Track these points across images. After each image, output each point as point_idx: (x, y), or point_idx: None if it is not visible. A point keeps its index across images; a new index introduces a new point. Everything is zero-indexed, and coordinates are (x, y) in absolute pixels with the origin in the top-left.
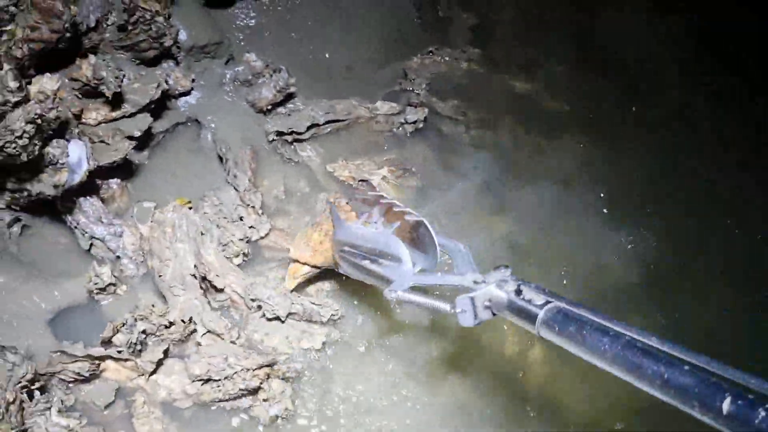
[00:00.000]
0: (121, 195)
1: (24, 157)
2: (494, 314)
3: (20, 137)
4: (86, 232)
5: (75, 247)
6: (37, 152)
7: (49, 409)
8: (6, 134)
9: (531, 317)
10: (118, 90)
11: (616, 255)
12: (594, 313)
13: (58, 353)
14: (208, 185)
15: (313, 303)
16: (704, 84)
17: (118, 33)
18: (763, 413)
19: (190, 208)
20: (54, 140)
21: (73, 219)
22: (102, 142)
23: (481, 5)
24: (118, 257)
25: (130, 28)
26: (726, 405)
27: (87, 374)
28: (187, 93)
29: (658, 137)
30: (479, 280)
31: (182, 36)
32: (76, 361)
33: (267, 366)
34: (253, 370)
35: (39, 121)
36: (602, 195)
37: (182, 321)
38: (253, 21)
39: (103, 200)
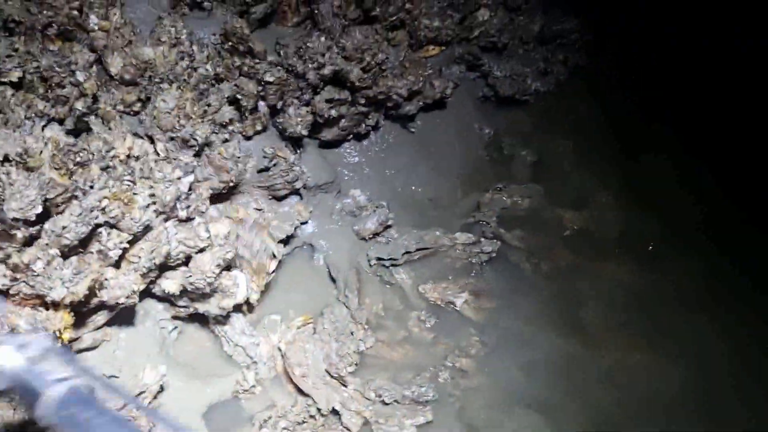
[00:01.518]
0: (248, 310)
1: (208, 290)
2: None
3: (209, 276)
4: (231, 341)
5: (218, 351)
6: (215, 284)
7: None
8: (197, 272)
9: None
10: None
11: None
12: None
13: None
14: (322, 302)
15: (418, 385)
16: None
17: (257, 174)
18: None
19: (311, 323)
20: (227, 272)
21: (221, 329)
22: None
23: (539, 144)
24: (255, 362)
25: (269, 173)
26: None
27: None
28: (305, 222)
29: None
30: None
31: (309, 178)
32: None
33: None
34: None
35: (222, 263)
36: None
37: (327, 409)
38: (356, 158)
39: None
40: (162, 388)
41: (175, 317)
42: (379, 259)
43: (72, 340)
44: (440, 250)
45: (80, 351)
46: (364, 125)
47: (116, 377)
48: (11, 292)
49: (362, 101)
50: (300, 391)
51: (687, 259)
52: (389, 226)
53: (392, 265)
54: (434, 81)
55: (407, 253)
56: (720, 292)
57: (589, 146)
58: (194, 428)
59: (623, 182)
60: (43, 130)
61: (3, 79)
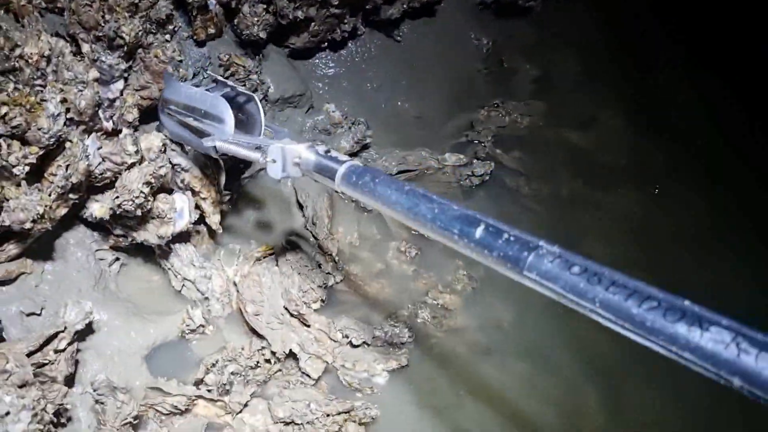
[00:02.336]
0: (208, 239)
1: (138, 212)
2: (303, 174)
3: (137, 197)
4: (179, 275)
5: (166, 287)
6: (148, 207)
7: None
8: (124, 193)
9: (332, 173)
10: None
11: None
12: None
13: (154, 389)
14: (288, 231)
15: (392, 325)
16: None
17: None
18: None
19: (272, 254)
20: (163, 195)
21: (167, 262)
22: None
23: (543, 57)
24: (207, 298)
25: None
26: (479, 232)
27: (183, 408)
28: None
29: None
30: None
31: (271, 89)
32: (174, 396)
33: (345, 412)
34: (333, 416)
35: (152, 180)
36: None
37: (284, 352)
38: (331, 71)
39: (193, 243)
40: (90, 327)
41: (114, 247)
42: None
43: None
44: (426, 173)
45: None
46: (339, 31)
47: (37, 314)
48: None
49: (335, 2)
50: (254, 332)
51: (694, 194)
52: (367, 146)
53: None
54: None
55: (400, 172)
56: (725, 231)
57: (598, 62)
58: (130, 371)
59: (633, 103)
60: None
61: None
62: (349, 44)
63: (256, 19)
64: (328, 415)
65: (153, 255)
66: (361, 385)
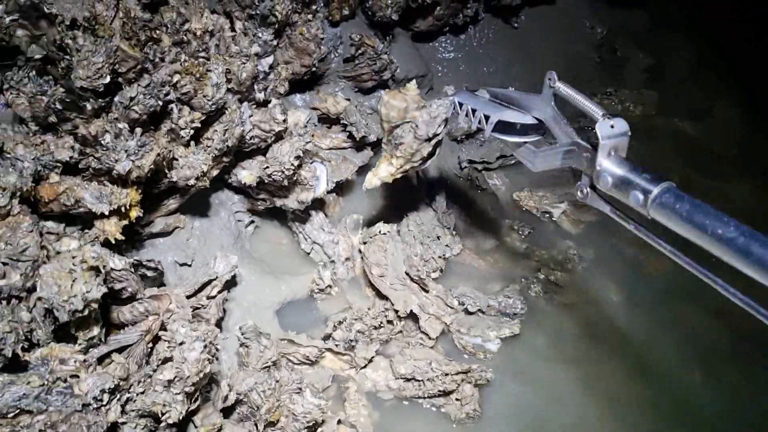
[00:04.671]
0: (335, 206)
1: (285, 182)
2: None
3: (288, 168)
4: (309, 238)
5: (295, 249)
6: (294, 177)
7: (301, 389)
8: (275, 164)
9: (640, 190)
10: (365, 134)
11: None
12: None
13: (286, 341)
14: (408, 205)
15: (506, 296)
16: None
17: (343, 64)
18: None
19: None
20: (307, 164)
21: (299, 226)
22: (329, 162)
23: (657, 46)
24: (333, 261)
25: (356, 62)
26: None
27: (313, 359)
28: None
29: None
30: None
31: (398, 70)
32: (306, 347)
33: (463, 372)
34: (452, 375)
35: (301, 153)
36: None
37: (405, 312)
38: (451, 54)
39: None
40: (234, 279)
41: (251, 210)
42: (471, 162)
43: (145, 224)
44: None
45: (152, 236)
46: (461, 15)
47: (188, 265)
48: (80, 166)
49: None
50: (378, 293)
51: None
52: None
53: (485, 168)
54: None
55: (502, 156)
56: None
57: (713, 52)
58: (264, 324)
59: (749, 94)
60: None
61: None
62: (469, 29)
63: (389, 1)
64: (446, 374)
65: (284, 219)
66: (474, 350)
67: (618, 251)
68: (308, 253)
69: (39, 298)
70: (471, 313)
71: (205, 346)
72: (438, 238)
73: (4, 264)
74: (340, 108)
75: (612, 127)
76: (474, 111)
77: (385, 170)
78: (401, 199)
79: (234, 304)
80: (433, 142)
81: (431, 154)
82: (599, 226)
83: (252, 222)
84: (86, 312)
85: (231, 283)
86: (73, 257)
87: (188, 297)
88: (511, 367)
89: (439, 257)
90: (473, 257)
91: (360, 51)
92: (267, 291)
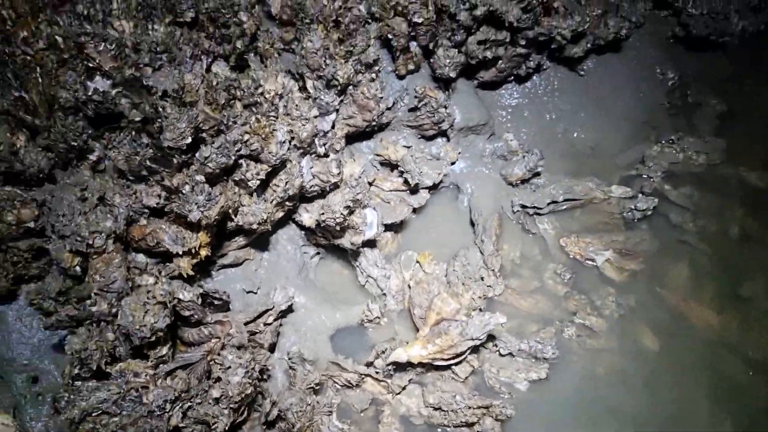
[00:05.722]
0: (392, 243)
1: (337, 228)
2: None
3: (338, 217)
4: (364, 272)
5: (353, 280)
6: (345, 223)
7: (331, 413)
8: (328, 212)
9: None
10: (418, 182)
11: None
12: None
13: (334, 364)
14: (459, 244)
15: (538, 341)
16: None
17: (408, 113)
18: None
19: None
20: (357, 210)
21: (356, 260)
22: (387, 203)
23: (731, 93)
24: (384, 294)
25: (418, 113)
26: None
27: (354, 383)
28: (453, 163)
29: None
30: None
31: (457, 119)
32: (349, 372)
33: (484, 407)
34: (474, 408)
35: (351, 204)
36: None
37: None
38: (515, 101)
39: (378, 247)
40: (291, 308)
41: (316, 244)
42: (523, 206)
43: (219, 256)
44: (591, 203)
45: (224, 267)
46: (524, 67)
47: (254, 293)
48: (166, 210)
49: (522, 42)
50: (419, 332)
51: None
52: (538, 173)
53: (536, 213)
54: (609, 20)
55: (554, 202)
56: None
57: None
58: (319, 346)
59: None
60: (210, 66)
61: (179, 19)
62: (534, 77)
63: (448, 60)
64: (469, 407)
65: (346, 253)
66: (501, 389)
67: (661, 299)
68: (363, 285)
69: (118, 326)
70: (503, 355)
71: (247, 372)
72: (482, 279)
73: (97, 294)
74: (399, 156)
75: None
76: None
77: (416, 352)
78: (453, 238)
79: (291, 328)
80: (471, 345)
81: (460, 355)
82: (644, 275)
83: (317, 254)
84: (153, 338)
85: (289, 310)
86: (148, 291)
87: (247, 323)
88: (535, 408)
89: (479, 297)
90: (515, 297)
91: (423, 102)
92: (323, 318)
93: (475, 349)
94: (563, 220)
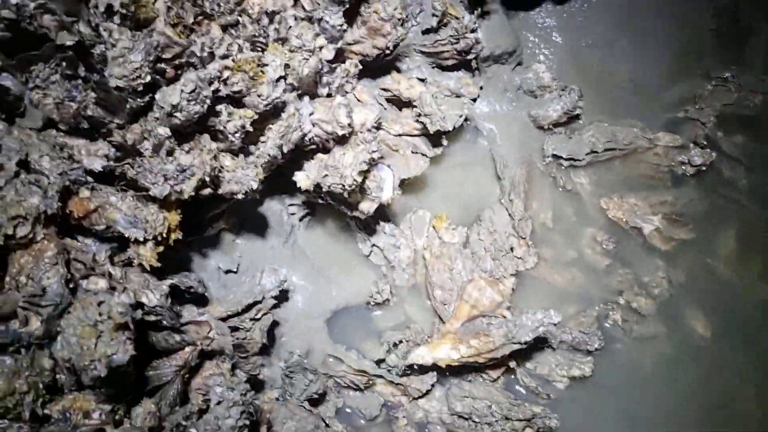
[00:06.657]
0: (399, 200)
1: (345, 195)
2: None
3: (350, 184)
4: (369, 240)
5: (352, 247)
6: (357, 188)
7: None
8: (335, 175)
9: None
10: (440, 128)
11: None
12: None
13: (334, 359)
14: (482, 202)
15: (582, 331)
16: None
17: (422, 36)
18: None
19: (451, 225)
20: (372, 173)
21: (359, 224)
22: (396, 151)
23: None
24: (393, 267)
25: (437, 36)
26: None
27: (362, 386)
28: (473, 100)
29: None
30: None
31: (484, 50)
32: (354, 374)
33: (526, 420)
34: (513, 421)
35: (366, 165)
36: None
37: None
38: (546, 21)
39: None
40: (285, 295)
41: (307, 202)
42: (556, 156)
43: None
44: (635, 152)
45: (195, 240)
46: None
47: (233, 272)
48: (117, 174)
49: None
50: (440, 318)
51: None
52: (576, 117)
53: (571, 165)
54: None
55: (593, 152)
56: None
57: None
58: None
59: None
60: None
61: None
62: None
63: None
64: (507, 419)
65: (343, 214)
66: (538, 390)
67: (712, 273)
68: (368, 256)
69: (61, 358)
70: (540, 348)
71: (242, 412)
72: (512, 249)
73: (24, 309)
74: (414, 93)
75: None
76: None
77: (445, 354)
78: (474, 194)
79: (281, 312)
80: (516, 348)
81: (500, 359)
82: (695, 245)
83: (307, 214)
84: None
85: (284, 298)
86: (100, 303)
87: (229, 317)
88: (578, 412)
89: (512, 274)
90: (549, 271)
91: (442, 22)
92: (318, 296)
93: None
94: (603, 173)
